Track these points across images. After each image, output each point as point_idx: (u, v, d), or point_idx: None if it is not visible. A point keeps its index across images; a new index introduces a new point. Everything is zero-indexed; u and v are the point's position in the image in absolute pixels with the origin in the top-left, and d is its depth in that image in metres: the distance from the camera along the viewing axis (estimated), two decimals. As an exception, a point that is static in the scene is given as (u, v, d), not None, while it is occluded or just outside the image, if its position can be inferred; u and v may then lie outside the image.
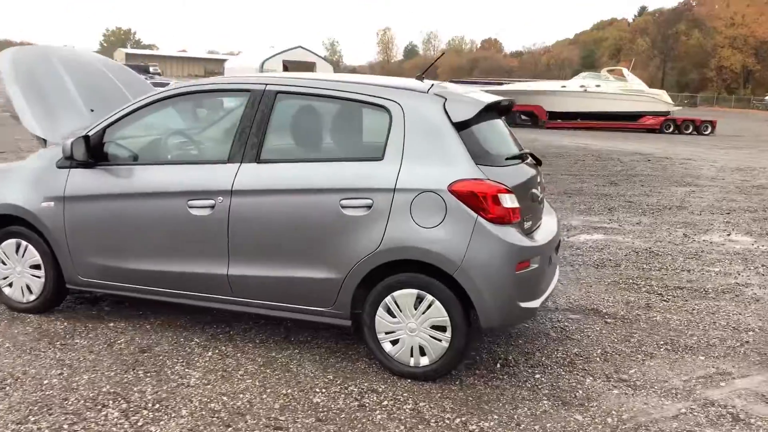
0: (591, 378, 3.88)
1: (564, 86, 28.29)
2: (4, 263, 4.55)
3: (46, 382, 3.62)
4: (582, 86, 27.68)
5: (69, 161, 4.23)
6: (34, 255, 4.43)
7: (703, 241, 7.55)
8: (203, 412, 3.35)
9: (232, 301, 4.06)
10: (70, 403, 3.40)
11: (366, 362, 3.97)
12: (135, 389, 3.56)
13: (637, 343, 4.43)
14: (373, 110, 3.86)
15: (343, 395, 3.58)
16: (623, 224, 8.36)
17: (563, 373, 3.95)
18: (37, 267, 4.45)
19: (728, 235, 7.92)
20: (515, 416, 3.42)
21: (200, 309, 4.29)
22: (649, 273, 6.13)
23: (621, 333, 4.60)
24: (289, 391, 3.61)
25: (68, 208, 4.25)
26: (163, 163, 4.31)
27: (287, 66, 49.56)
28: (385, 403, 3.52)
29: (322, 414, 3.38)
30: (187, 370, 3.81)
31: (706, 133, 27.42)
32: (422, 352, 3.75)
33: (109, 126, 4.25)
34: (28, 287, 4.51)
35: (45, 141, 4.60)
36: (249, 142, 3.94)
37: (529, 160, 4.34)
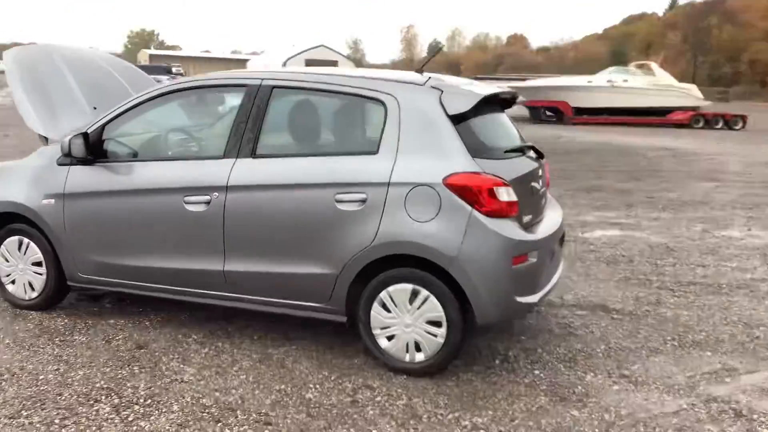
0: (592, 374, 3.79)
1: (590, 81, 27.68)
2: (6, 260, 4.60)
3: (41, 377, 3.64)
4: (609, 81, 27.12)
5: (69, 158, 4.25)
6: (35, 252, 4.47)
7: (723, 236, 7.35)
8: (194, 408, 3.34)
9: (229, 297, 4.06)
10: (63, 398, 3.41)
11: (363, 358, 3.93)
12: (128, 385, 3.57)
13: (643, 339, 4.32)
14: (369, 104, 3.83)
15: (336, 391, 3.55)
16: (641, 220, 8.19)
17: (564, 369, 3.86)
18: (38, 264, 4.49)
19: (749, 230, 7.70)
20: (510, 412, 3.35)
21: (199, 305, 4.29)
22: (663, 269, 5.98)
23: (627, 329, 4.49)
24: (283, 386, 3.58)
25: (68, 205, 4.28)
26: (161, 159, 4.33)
27: (310, 64, 49.78)
28: (379, 398, 3.47)
29: (313, 410, 3.35)
30: (182, 366, 3.81)
31: (737, 128, 26.66)
32: (418, 348, 3.69)
33: (107, 123, 4.27)
34: (30, 284, 4.55)
35: (47, 139, 4.64)
36: (245, 137, 3.92)
37: (531, 153, 4.27)
